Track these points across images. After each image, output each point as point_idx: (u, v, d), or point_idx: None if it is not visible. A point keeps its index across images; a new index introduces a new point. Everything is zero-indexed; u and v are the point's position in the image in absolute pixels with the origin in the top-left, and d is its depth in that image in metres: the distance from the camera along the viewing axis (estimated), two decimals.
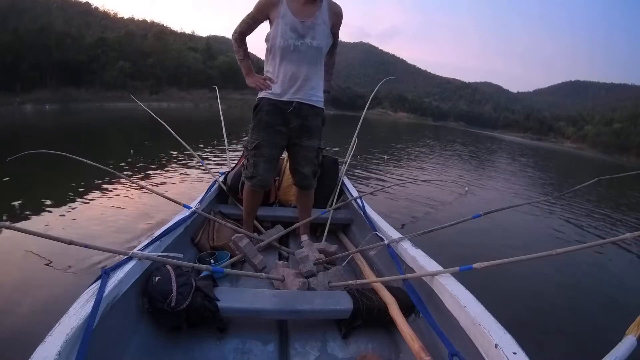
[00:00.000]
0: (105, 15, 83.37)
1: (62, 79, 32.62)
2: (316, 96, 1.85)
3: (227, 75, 50.48)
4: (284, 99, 1.79)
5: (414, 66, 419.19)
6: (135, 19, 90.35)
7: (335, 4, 1.81)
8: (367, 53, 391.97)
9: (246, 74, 1.88)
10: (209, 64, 56.20)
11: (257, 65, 2.19)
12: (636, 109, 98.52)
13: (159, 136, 8.57)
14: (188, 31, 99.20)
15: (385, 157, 9.75)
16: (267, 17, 1.74)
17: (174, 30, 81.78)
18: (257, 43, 2.12)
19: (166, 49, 50.22)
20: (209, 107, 34.53)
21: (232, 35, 1.85)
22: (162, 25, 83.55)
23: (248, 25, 1.79)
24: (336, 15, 1.80)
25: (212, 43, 75.78)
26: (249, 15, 1.77)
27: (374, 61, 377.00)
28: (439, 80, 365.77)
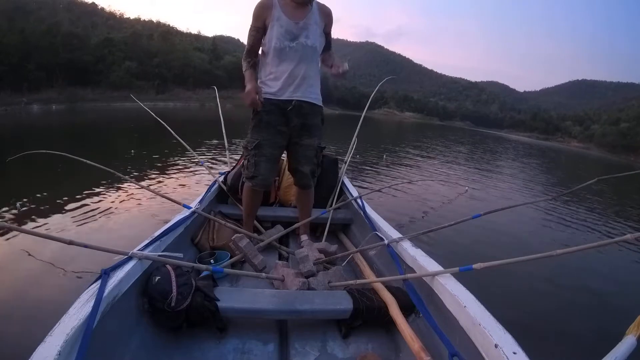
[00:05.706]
0: (111, 16, 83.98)
1: (68, 79, 32.77)
2: (315, 94, 1.88)
3: (233, 74, 50.54)
4: (283, 98, 1.81)
5: (420, 65, 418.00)
6: (142, 19, 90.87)
7: (324, 5, 1.89)
8: (373, 53, 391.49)
9: (248, 81, 1.86)
10: (215, 63, 56.33)
11: None
12: None
13: (161, 136, 8.62)
14: (194, 31, 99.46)
15: (385, 155, 9.71)
16: (264, 23, 1.78)
17: (180, 31, 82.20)
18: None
19: (172, 49, 50.39)
20: (215, 106, 34.53)
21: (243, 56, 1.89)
22: (168, 25, 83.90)
23: (254, 38, 1.83)
24: (327, 16, 1.88)
25: (219, 43, 76.01)
26: (251, 27, 1.82)
27: (380, 61, 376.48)
28: (445, 79, 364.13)
